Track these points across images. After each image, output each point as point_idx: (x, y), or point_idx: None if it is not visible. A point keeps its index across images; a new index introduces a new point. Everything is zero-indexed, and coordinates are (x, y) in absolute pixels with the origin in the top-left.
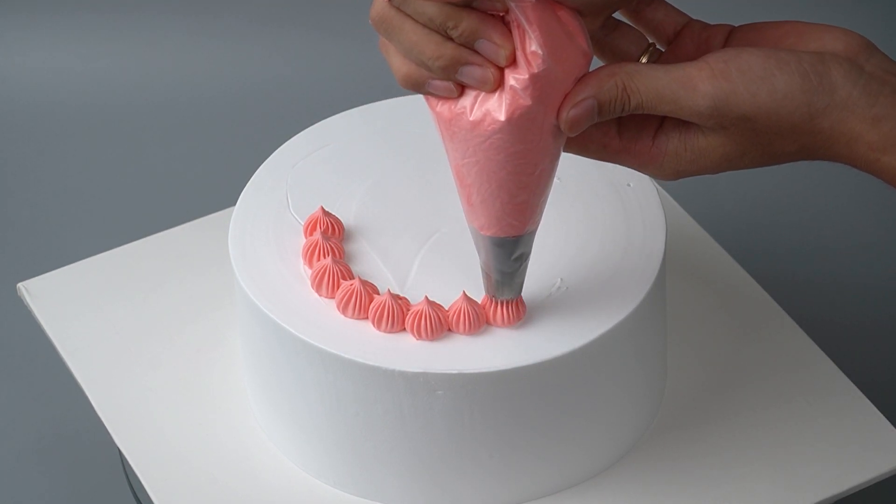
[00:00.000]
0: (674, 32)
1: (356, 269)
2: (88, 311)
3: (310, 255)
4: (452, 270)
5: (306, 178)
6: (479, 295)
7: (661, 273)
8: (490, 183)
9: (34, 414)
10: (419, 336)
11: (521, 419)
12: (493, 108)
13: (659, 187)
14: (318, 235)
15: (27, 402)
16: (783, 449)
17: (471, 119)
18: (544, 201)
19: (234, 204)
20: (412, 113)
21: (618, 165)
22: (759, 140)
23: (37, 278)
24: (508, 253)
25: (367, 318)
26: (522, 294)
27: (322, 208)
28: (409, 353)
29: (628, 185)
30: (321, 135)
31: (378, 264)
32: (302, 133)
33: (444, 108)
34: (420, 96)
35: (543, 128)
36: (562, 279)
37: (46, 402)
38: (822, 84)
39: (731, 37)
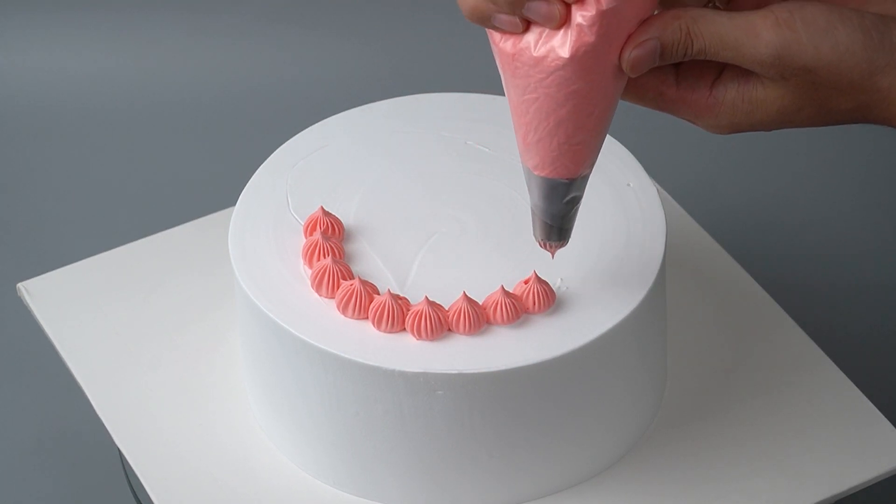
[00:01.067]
0: None
1: (356, 269)
2: (88, 311)
3: (310, 255)
4: (452, 270)
5: (306, 178)
6: (480, 295)
7: (661, 273)
8: (548, 121)
9: (34, 414)
10: (419, 336)
11: (521, 419)
12: (558, 44)
13: (659, 187)
14: (318, 235)
15: (27, 402)
16: (783, 449)
17: (534, 55)
18: (600, 145)
19: (234, 204)
20: (412, 113)
21: (615, 165)
22: (818, 95)
23: (37, 278)
24: (561, 195)
25: (367, 318)
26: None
27: (322, 208)
28: (409, 353)
29: (628, 185)
30: (321, 135)
31: (378, 264)
32: (302, 133)
33: (507, 43)
34: (421, 97)
35: (605, 68)
36: (562, 279)
37: (46, 402)
38: (882, 43)
39: None
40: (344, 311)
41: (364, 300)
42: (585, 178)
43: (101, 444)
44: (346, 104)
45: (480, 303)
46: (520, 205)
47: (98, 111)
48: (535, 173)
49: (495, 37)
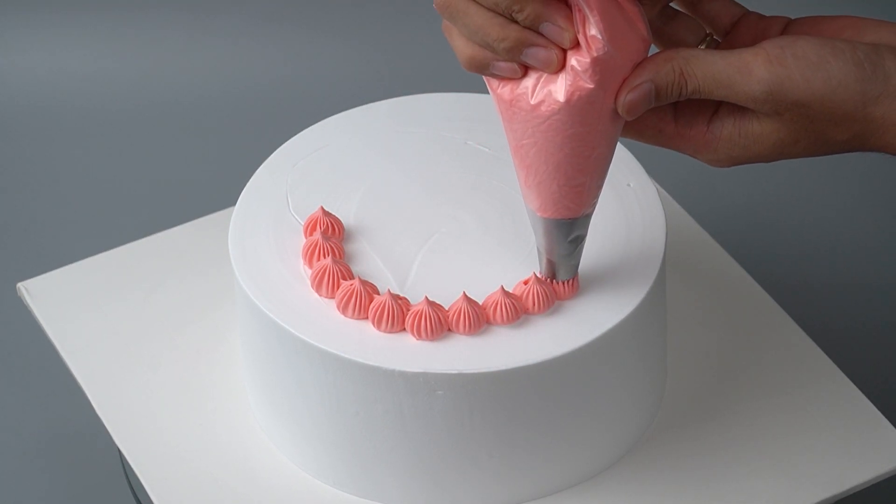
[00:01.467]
0: (730, 23)
1: (356, 269)
2: (88, 311)
3: (310, 255)
4: (452, 270)
5: (306, 178)
6: (480, 295)
7: (661, 273)
8: (548, 164)
9: (34, 414)
10: (419, 336)
11: (521, 419)
12: (554, 89)
13: (659, 187)
14: (318, 235)
15: (27, 402)
16: (783, 449)
17: (532, 101)
18: (600, 185)
19: (234, 204)
20: (412, 113)
21: (615, 165)
22: (813, 127)
23: (37, 278)
24: (565, 235)
25: (367, 318)
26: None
27: (322, 208)
28: (409, 353)
29: (628, 185)
30: (321, 135)
31: (378, 264)
32: (302, 133)
33: (504, 89)
34: (421, 97)
35: (602, 111)
36: None
37: (46, 402)
38: (875, 73)
39: (787, 29)
40: (344, 311)
41: (364, 300)
42: (588, 217)
43: (101, 444)
44: (346, 104)
45: (480, 303)
46: (520, 205)
47: (98, 111)
48: (539, 214)
49: (493, 83)
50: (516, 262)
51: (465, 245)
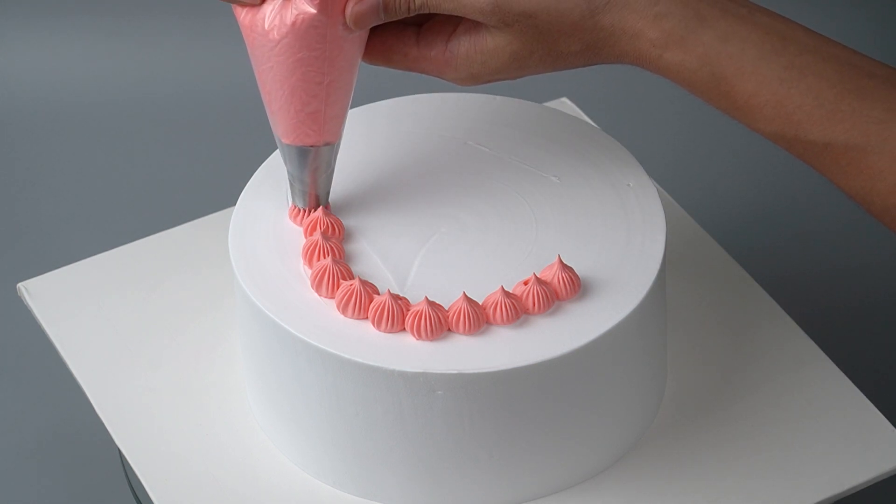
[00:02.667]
0: None
1: (356, 269)
2: (88, 311)
3: (310, 255)
4: (452, 270)
5: None
6: (480, 295)
7: (661, 273)
8: (283, 89)
9: (34, 414)
10: (419, 336)
11: (521, 419)
12: (284, 14)
13: (659, 187)
14: (318, 235)
15: (27, 402)
16: (783, 449)
17: (266, 27)
18: (339, 115)
19: (234, 204)
20: (412, 113)
21: (615, 165)
22: (544, 38)
23: (37, 278)
24: (308, 162)
25: (367, 318)
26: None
27: (322, 208)
28: (409, 353)
29: (628, 185)
30: None
31: (378, 264)
32: None
33: (246, 17)
34: (421, 97)
35: (327, 37)
36: None
37: (46, 402)
38: None
39: None
40: (344, 311)
41: (364, 300)
42: (331, 147)
43: (101, 444)
44: None
45: (480, 303)
46: (520, 205)
47: (98, 111)
48: (283, 141)
49: (238, 11)
50: (516, 262)
51: (465, 245)
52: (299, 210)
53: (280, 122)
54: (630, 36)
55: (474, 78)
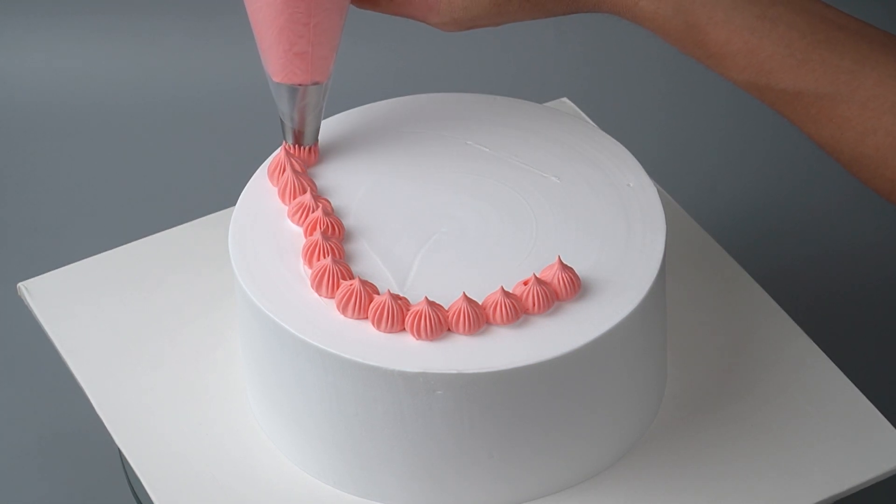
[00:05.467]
0: None
1: (356, 269)
2: (88, 311)
3: (310, 255)
4: (452, 270)
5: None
6: (480, 295)
7: (661, 273)
8: (272, 29)
9: (34, 414)
10: (419, 336)
11: (521, 419)
12: None
13: (659, 187)
14: (318, 235)
15: (27, 402)
16: (783, 449)
17: None
18: (327, 55)
19: (234, 204)
20: (412, 113)
21: (615, 165)
22: None
23: (37, 278)
24: (296, 100)
25: (367, 318)
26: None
27: (322, 208)
28: (408, 353)
29: (628, 185)
30: (321, 135)
31: (378, 264)
32: None
33: None
34: (421, 97)
35: None
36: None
37: (46, 402)
38: None
39: None
40: (344, 311)
41: (364, 300)
42: (321, 88)
43: (101, 444)
44: (346, 104)
45: (480, 303)
46: (520, 205)
47: (98, 111)
48: (273, 79)
49: None
50: (516, 262)
51: (465, 245)
52: (292, 148)
53: (270, 60)
54: None
55: (457, 23)
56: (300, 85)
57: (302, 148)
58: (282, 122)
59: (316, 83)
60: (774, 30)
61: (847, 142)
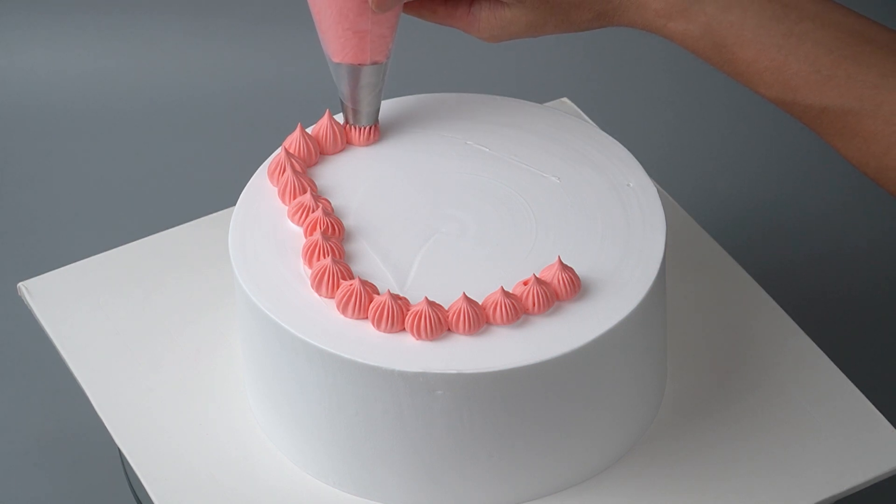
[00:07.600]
0: None
1: (356, 269)
2: (89, 311)
3: (310, 255)
4: (452, 270)
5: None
6: (480, 295)
7: (661, 273)
8: (332, 9)
9: (34, 414)
10: (419, 336)
11: (521, 419)
12: None
13: (659, 187)
14: (318, 235)
15: (27, 402)
16: (783, 449)
17: None
18: (386, 35)
19: (234, 204)
20: (412, 113)
21: (615, 165)
22: (556, 11)
23: (37, 278)
24: (356, 80)
25: (366, 318)
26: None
27: (322, 208)
28: (408, 353)
29: (628, 185)
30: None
31: (378, 264)
32: None
33: None
34: (421, 97)
35: None
36: None
37: (46, 402)
38: None
39: None
40: (344, 311)
41: (364, 300)
42: (380, 67)
43: (101, 444)
44: None
45: (480, 303)
46: (520, 205)
47: (98, 111)
48: (333, 60)
49: None
50: (516, 262)
51: (465, 245)
52: (352, 128)
53: (330, 41)
54: (637, 7)
55: (497, 38)
56: (359, 65)
57: (362, 128)
58: (342, 102)
59: (375, 63)
60: (801, 47)
61: (873, 155)
